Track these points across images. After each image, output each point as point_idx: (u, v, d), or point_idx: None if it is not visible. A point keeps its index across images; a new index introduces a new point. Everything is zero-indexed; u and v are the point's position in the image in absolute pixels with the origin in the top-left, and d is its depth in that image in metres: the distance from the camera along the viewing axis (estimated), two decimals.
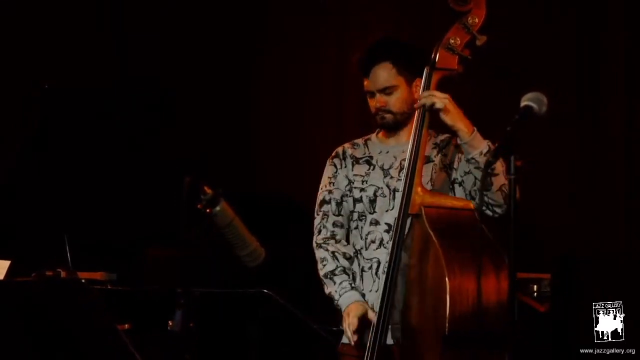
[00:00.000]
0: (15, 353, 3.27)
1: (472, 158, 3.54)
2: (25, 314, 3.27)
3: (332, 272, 3.72)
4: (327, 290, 3.74)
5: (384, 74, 3.71)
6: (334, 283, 3.71)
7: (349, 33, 5.92)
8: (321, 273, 3.76)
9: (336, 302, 3.71)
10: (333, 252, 3.75)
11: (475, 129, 3.54)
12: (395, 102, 3.73)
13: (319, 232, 3.82)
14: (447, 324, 3.20)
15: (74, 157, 5.67)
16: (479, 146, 3.53)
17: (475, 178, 3.57)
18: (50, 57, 5.91)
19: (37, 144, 5.55)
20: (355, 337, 3.60)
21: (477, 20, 3.56)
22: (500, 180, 3.53)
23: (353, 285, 3.71)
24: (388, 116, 3.75)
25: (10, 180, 5.59)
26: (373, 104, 3.77)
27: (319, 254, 3.79)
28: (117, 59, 6.03)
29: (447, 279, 3.22)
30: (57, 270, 4.37)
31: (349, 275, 3.72)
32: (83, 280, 3.67)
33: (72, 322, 3.27)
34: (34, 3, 6.01)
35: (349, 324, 3.61)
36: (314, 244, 3.82)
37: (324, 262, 3.75)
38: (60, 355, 3.27)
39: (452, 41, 3.57)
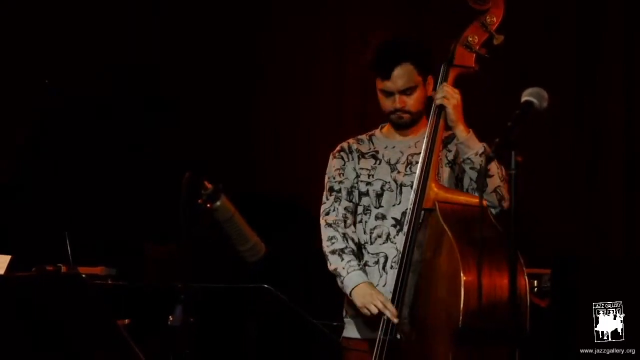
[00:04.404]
0: (15, 348, 3.26)
1: (468, 158, 3.58)
2: (25, 308, 3.27)
3: (342, 250, 3.70)
4: (331, 267, 3.71)
5: (406, 75, 3.68)
6: (342, 260, 3.68)
7: (348, 33, 5.93)
8: (327, 249, 3.72)
9: (342, 278, 3.67)
10: (344, 234, 3.74)
11: (471, 130, 3.59)
12: (414, 102, 3.73)
13: (328, 213, 3.78)
14: (460, 318, 3.21)
15: (75, 153, 5.68)
16: (475, 147, 3.57)
17: (471, 179, 3.62)
18: (51, 58, 5.92)
19: (38, 139, 5.56)
20: (394, 311, 3.53)
21: (495, 19, 3.59)
22: (495, 181, 3.56)
23: (361, 266, 3.70)
24: (406, 116, 3.76)
25: (11, 176, 5.60)
26: (389, 103, 3.74)
27: (328, 232, 3.75)
28: (119, 58, 6.03)
29: (462, 273, 3.23)
30: (58, 265, 4.37)
31: (357, 258, 3.71)
32: (83, 276, 3.66)
33: (72, 317, 3.27)
34: (36, 3, 6.02)
35: (387, 305, 3.53)
36: (322, 223, 3.78)
37: (333, 240, 3.72)
38: (60, 350, 3.26)
39: (471, 39, 3.59)
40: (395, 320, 3.51)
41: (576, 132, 5.40)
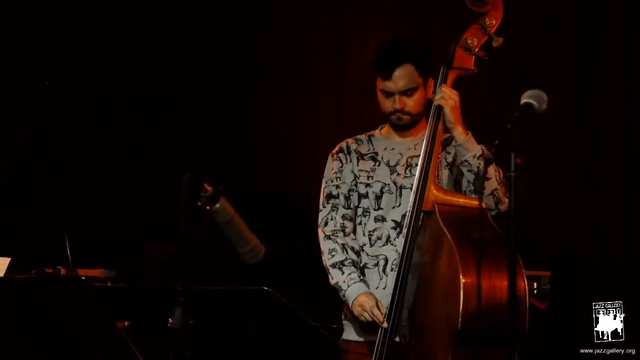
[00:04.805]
0: (15, 350, 3.27)
1: (466, 161, 3.58)
2: (25, 311, 3.27)
3: (342, 263, 3.70)
4: (333, 281, 3.71)
5: (407, 76, 3.67)
6: (342, 273, 3.68)
7: (348, 33, 5.93)
8: (328, 263, 3.72)
9: (343, 292, 3.68)
10: (343, 245, 3.73)
11: (469, 132, 3.58)
12: (414, 103, 3.72)
13: (326, 223, 3.78)
14: (460, 320, 3.20)
15: (75, 153, 5.69)
16: (473, 149, 3.57)
17: (468, 181, 3.61)
18: (51, 58, 5.92)
19: (38, 139, 5.56)
20: (381, 317, 3.57)
21: (494, 21, 3.58)
22: (492, 184, 3.56)
23: (361, 277, 3.70)
24: (406, 117, 3.74)
25: (11, 176, 5.60)
26: (389, 104, 3.72)
27: (328, 244, 3.75)
28: (119, 58, 6.03)
29: (461, 275, 3.23)
30: (57, 267, 4.38)
31: (357, 268, 3.71)
32: (83, 278, 3.67)
33: (72, 319, 3.27)
34: (36, 3, 6.02)
35: (373, 311, 3.57)
36: (321, 235, 3.78)
37: (333, 253, 3.72)
38: (60, 352, 3.27)
39: (470, 41, 3.58)
40: (385, 325, 3.53)
41: (576, 132, 5.40)
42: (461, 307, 3.20)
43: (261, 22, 6.16)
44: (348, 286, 3.66)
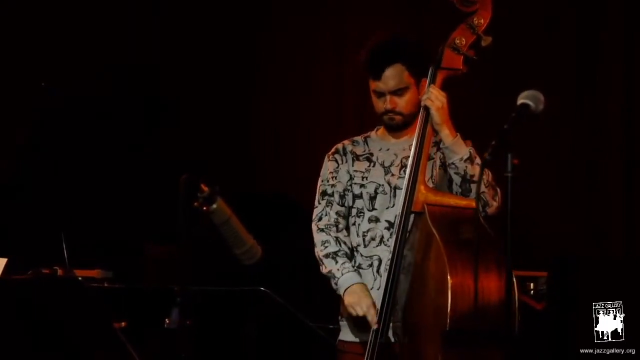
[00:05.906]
0: (12, 350, 3.28)
1: (452, 163, 3.56)
2: (22, 311, 3.28)
3: (335, 253, 3.71)
4: (326, 269, 3.71)
5: (397, 75, 3.67)
6: (336, 262, 3.69)
7: (348, 33, 5.93)
8: (321, 253, 3.73)
9: (336, 280, 3.68)
10: (336, 237, 3.74)
11: (458, 134, 3.56)
12: (405, 104, 3.71)
13: (320, 218, 3.79)
14: (448, 320, 3.21)
15: (74, 155, 5.68)
16: (460, 152, 3.54)
17: (456, 183, 3.58)
18: (51, 58, 5.92)
19: (38, 139, 5.56)
20: (374, 318, 3.56)
21: (482, 21, 3.56)
22: (479, 187, 3.53)
23: (355, 268, 3.71)
24: (398, 117, 3.74)
25: (8, 178, 5.60)
26: (381, 104, 3.73)
27: (321, 237, 3.76)
28: (119, 58, 6.04)
29: (449, 276, 3.23)
30: (54, 268, 4.38)
31: (350, 260, 3.72)
32: (80, 278, 3.68)
33: (69, 319, 3.28)
34: (36, 3, 6.02)
35: (370, 310, 3.58)
36: (315, 228, 3.79)
37: (326, 244, 3.73)
38: (57, 353, 3.27)
39: (458, 41, 3.56)
40: (375, 326, 3.52)
41: (576, 132, 5.40)
42: (449, 308, 3.20)
43: (261, 22, 6.16)
44: (342, 274, 3.66)
